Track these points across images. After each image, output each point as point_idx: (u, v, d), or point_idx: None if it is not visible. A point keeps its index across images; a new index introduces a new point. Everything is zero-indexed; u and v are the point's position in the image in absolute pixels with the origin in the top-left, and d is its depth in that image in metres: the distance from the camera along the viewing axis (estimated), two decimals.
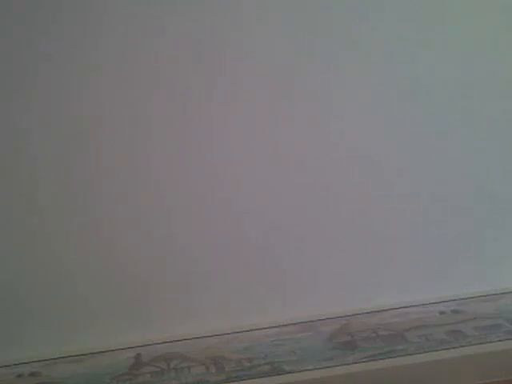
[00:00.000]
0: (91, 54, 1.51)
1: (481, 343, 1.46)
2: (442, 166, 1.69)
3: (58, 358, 1.54)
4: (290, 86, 1.59)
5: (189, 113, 1.57)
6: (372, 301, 1.66)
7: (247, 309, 1.63)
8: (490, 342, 1.47)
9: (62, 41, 1.49)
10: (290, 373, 1.41)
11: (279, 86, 1.59)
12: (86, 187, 1.56)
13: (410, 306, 1.65)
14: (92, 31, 1.50)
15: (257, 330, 1.60)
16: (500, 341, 1.47)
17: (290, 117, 1.61)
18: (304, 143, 1.62)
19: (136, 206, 1.58)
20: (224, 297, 1.63)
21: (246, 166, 1.61)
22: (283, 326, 1.61)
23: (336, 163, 1.64)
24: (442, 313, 1.62)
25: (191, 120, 1.57)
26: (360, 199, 1.66)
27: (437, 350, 1.45)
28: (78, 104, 1.53)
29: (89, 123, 1.54)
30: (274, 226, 1.64)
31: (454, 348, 1.45)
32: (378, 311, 1.64)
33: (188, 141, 1.58)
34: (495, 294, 1.68)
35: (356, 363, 1.42)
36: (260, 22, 1.56)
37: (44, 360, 1.54)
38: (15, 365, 1.53)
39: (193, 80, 1.55)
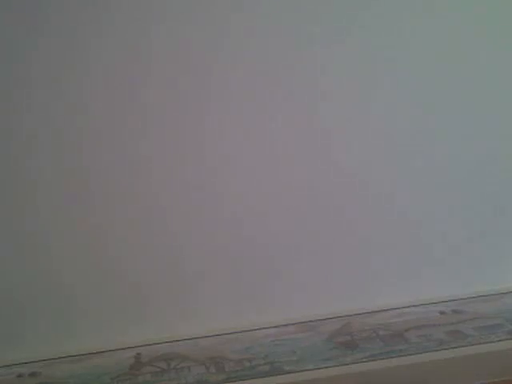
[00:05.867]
0: (87, 54, 1.51)
1: (481, 343, 1.46)
2: (442, 167, 1.69)
3: (57, 357, 1.54)
4: (288, 88, 1.60)
5: (187, 115, 1.57)
6: (372, 301, 1.66)
7: (247, 309, 1.63)
8: (490, 342, 1.47)
9: (59, 39, 1.49)
10: (290, 373, 1.41)
11: (277, 87, 1.59)
12: (86, 189, 1.56)
13: (410, 306, 1.65)
14: (88, 32, 1.50)
15: (257, 329, 1.60)
16: (500, 341, 1.47)
17: (286, 119, 1.60)
18: (301, 148, 1.62)
19: (135, 207, 1.58)
20: (224, 297, 1.63)
21: (245, 168, 1.61)
22: (283, 325, 1.61)
23: (337, 165, 1.64)
24: (442, 313, 1.62)
25: (189, 119, 1.57)
26: (359, 199, 1.66)
27: (437, 350, 1.45)
28: (78, 109, 1.52)
29: (88, 129, 1.53)
30: (274, 226, 1.64)
31: (453, 348, 1.45)
32: (378, 311, 1.64)
33: (187, 142, 1.58)
34: (495, 294, 1.68)
35: (356, 363, 1.42)
36: (255, 22, 1.56)
37: (44, 360, 1.54)
38: (15, 365, 1.53)
39: (190, 82, 1.55)
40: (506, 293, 1.69)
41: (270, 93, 1.59)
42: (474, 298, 1.67)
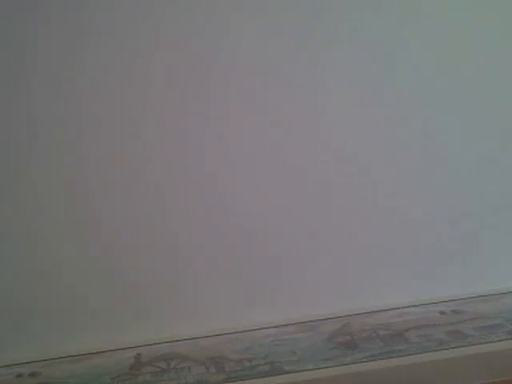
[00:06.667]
0: (87, 54, 1.51)
1: (481, 343, 1.46)
2: (442, 167, 1.69)
3: (58, 357, 1.54)
4: (289, 89, 1.60)
5: (187, 114, 1.57)
6: (372, 301, 1.66)
7: (247, 309, 1.63)
8: (490, 342, 1.47)
9: (56, 42, 1.49)
10: (290, 373, 1.41)
11: (277, 88, 1.59)
12: (86, 188, 1.56)
13: (410, 306, 1.65)
14: (88, 32, 1.50)
15: (257, 329, 1.60)
16: (500, 341, 1.47)
17: (286, 119, 1.60)
18: (301, 148, 1.62)
19: (136, 207, 1.58)
20: (224, 297, 1.63)
21: (245, 168, 1.61)
22: (283, 326, 1.61)
23: (337, 166, 1.64)
24: (442, 313, 1.62)
25: (189, 118, 1.57)
26: (359, 199, 1.66)
27: (437, 350, 1.45)
28: (78, 109, 1.52)
29: (88, 129, 1.53)
30: (274, 226, 1.64)
31: (453, 348, 1.45)
32: (377, 311, 1.64)
33: (187, 142, 1.58)
34: (495, 294, 1.68)
35: (356, 363, 1.42)
36: (255, 23, 1.56)
37: (44, 360, 1.54)
38: (15, 365, 1.53)
39: (190, 82, 1.56)
40: (506, 293, 1.69)
41: (269, 93, 1.59)
42: (474, 297, 1.67)
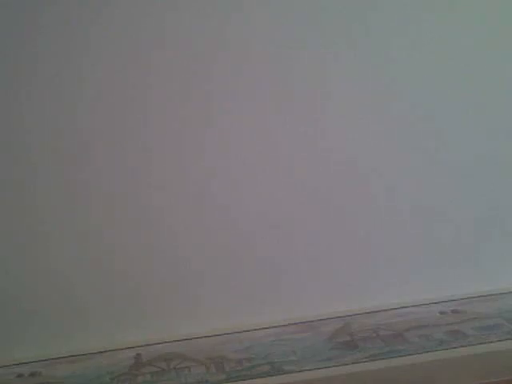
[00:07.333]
0: (89, 54, 1.51)
1: (481, 343, 1.46)
2: (442, 168, 1.69)
3: (57, 357, 1.54)
4: (289, 89, 1.60)
5: (187, 114, 1.57)
6: (372, 301, 1.66)
7: (247, 309, 1.63)
8: (490, 342, 1.47)
9: (59, 39, 1.50)
10: (290, 373, 1.41)
11: (278, 89, 1.59)
12: (86, 188, 1.56)
13: (410, 306, 1.65)
14: (88, 32, 1.50)
15: (257, 330, 1.60)
16: (500, 341, 1.47)
17: (289, 122, 1.61)
18: (301, 148, 1.62)
19: (136, 207, 1.58)
20: (224, 297, 1.63)
21: (245, 168, 1.61)
22: (283, 326, 1.61)
23: (337, 165, 1.64)
24: (442, 313, 1.62)
25: (189, 118, 1.57)
26: (359, 199, 1.66)
27: (437, 350, 1.45)
28: (78, 109, 1.53)
29: (88, 129, 1.54)
30: (273, 226, 1.64)
31: (454, 348, 1.45)
32: (378, 311, 1.64)
33: (188, 142, 1.58)
34: (495, 294, 1.68)
35: (356, 363, 1.42)
36: (257, 24, 1.56)
37: (44, 360, 1.54)
38: (15, 365, 1.53)
39: (192, 83, 1.56)
40: (506, 293, 1.69)
41: (270, 93, 1.59)
42: (474, 297, 1.67)
